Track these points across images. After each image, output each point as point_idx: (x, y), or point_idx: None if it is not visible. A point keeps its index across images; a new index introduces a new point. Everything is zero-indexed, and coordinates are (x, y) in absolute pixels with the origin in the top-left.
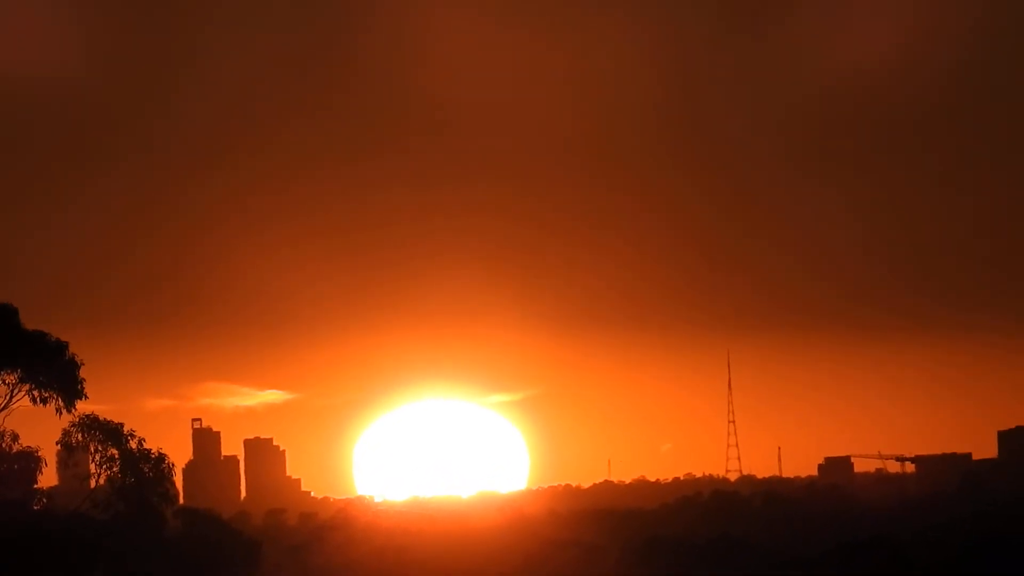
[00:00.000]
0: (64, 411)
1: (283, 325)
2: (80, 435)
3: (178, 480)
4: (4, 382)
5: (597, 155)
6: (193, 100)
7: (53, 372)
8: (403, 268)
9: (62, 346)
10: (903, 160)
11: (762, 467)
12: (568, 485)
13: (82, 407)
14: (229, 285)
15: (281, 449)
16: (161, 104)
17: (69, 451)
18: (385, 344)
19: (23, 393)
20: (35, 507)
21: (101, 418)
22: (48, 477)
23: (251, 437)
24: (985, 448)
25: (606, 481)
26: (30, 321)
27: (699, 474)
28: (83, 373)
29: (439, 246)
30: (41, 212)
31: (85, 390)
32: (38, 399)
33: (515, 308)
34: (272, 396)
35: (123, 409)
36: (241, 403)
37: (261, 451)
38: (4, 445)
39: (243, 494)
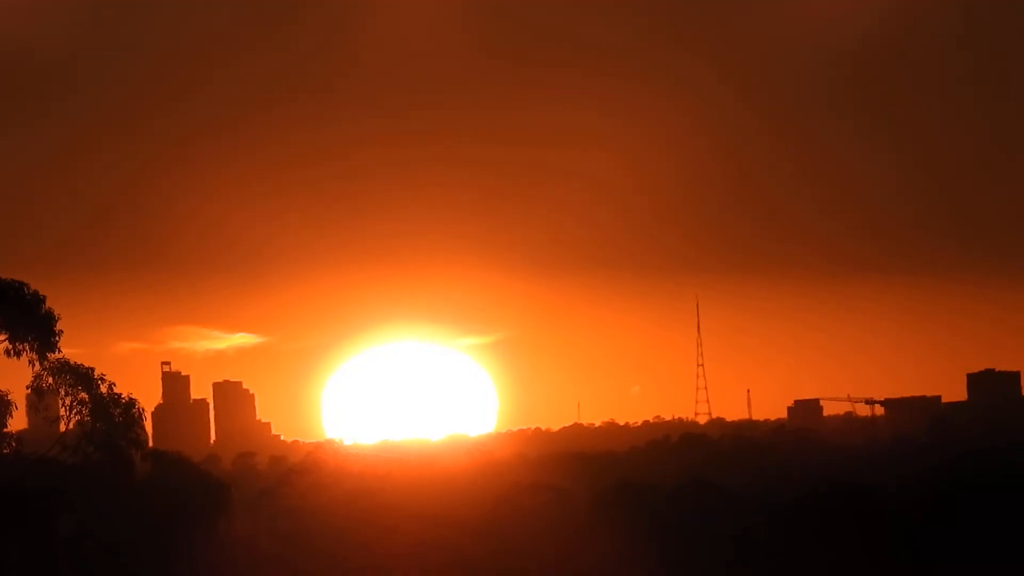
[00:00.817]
0: (36, 363)
1: (253, 267)
2: (51, 379)
3: (147, 424)
4: None
5: (571, 91)
6: (155, 36)
7: (30, 325)
8: (372, 208)
9: (39, 299)
10: (883, 102)
11: (731, 410)
12: (538, 428)
13: (56, 354)
14: (200, 228)
15: (250, 393)
16: (120, 40)
17: (39, 395)
18: (356, 285)
19: None
20: (4, 451)
21: (72, 362)
22: (18, 421)
23: (220, 381)
24: (954, 391)
25: (576, 424)
26: (4, 268)
27: (668, 417)
28: (60, 321)
29: (408, 185)
30: (12, 165)
31: (59, 343)
32: (12, 351)
33: (486, 250)
34: (242, 339)
35: (93, 352)
36: (211, 346)
37: (230, 395)
38: None
39: (213, 438)
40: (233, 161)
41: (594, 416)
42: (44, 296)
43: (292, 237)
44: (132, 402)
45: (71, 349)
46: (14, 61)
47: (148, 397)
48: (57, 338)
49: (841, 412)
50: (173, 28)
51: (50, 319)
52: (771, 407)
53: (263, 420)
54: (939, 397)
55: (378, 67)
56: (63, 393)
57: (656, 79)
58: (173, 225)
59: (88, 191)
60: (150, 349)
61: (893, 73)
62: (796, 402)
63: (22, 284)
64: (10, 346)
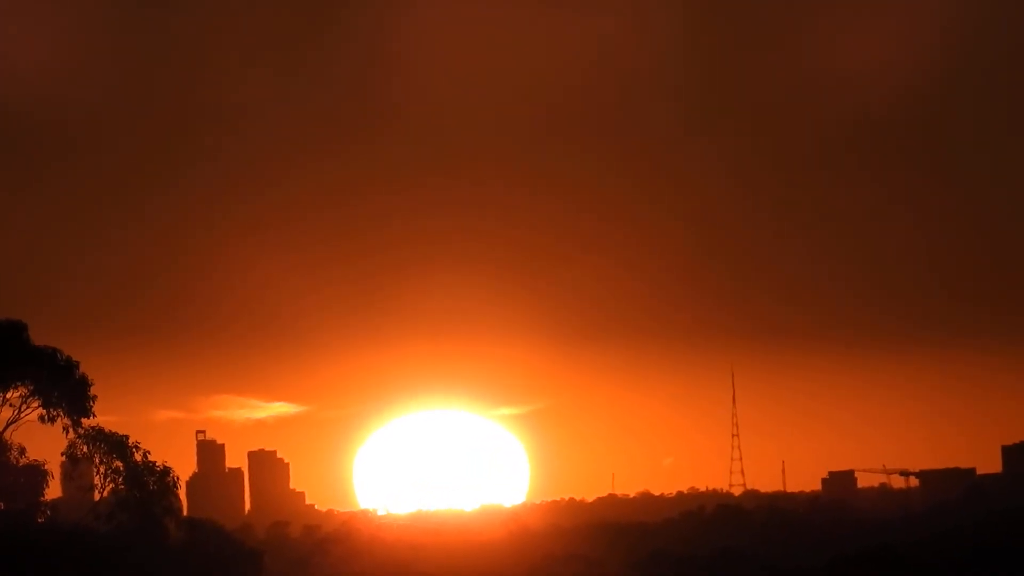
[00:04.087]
0: (71, 429)
1: (294, 337)
2: (85, 447)
3: (182, 493)
4: (8, 398)
5: (605, 166)
6: (187, 94)
7: (63, 390)
8: (412, 279)
9: (72, 365)
10: (909, 169)
11: (766, 481)
12: (572, 498)
13: (91, 420)
14: (245, 297)
15: (285, 462)
16: (150, 99)
17: (74, 463)
18: (396, 356)
19: (31, 409)
20: (39, 520)
21: (107, 430)
22: (54, 489)
23: (255, 450)
24: (989, 463)
25: (610, 495)
26: (41, 335)
27: (703, 488)
28: (94, 385)
29: (444, 257)
30: (49, 227)
31: (93, 408)
32: (46, 417)
33: (523, 322)
34: (281, 408)
35: (131, 421)
36: (250, 415)
37: (265, 464)
38: (11, 458)
39: (247, 507)
40: (270, 228)
41: (628, 487)
42: (78, 362)
43: (338, 309)
44: (167, 470)
45: (109, 417)
46: (42, 122)
47: (184, 465)
48: (91, 403)
49: (876, 484)
50: (209, 87)
51: (84, 384)
52: (806, 478)
53: (297, 489)
54: (974, 469)
55: (416, 141)
56: (97, 461)
57: (687, 150)
58: (211, 292)
59: (123, 258)
60: (188, 418)
61: (915, 141)
62: (831, 473)
63: (55, 350)
64: (44, 412)
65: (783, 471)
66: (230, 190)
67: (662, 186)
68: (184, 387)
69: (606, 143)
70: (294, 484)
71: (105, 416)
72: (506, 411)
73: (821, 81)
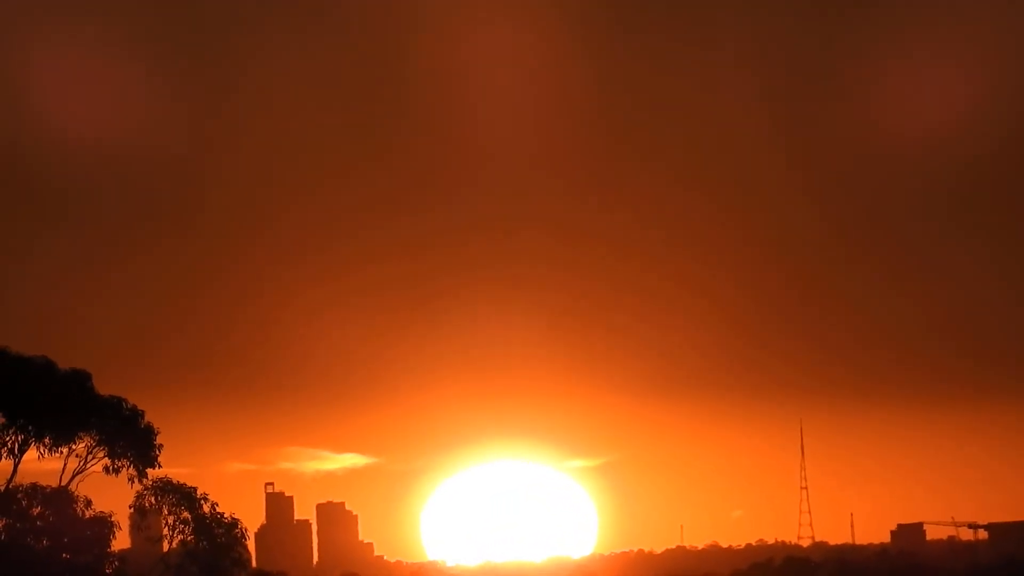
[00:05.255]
0: (136, 480)
1: (365, 389)
2: (153, 498)
3: (251, 544)
4: (74, 449)
5: (671, 220)
6: (247, 158)
7: (129, 440)
8: (483, 333)
9: (137, 414)
10: (972, 227)
11: (834, 533)
12: (640, 550)
13: (158, 470)
14: (315, 349)
15: (354, 514)
16: (211, 169)
17: (142, 514)
18: (466, 408)
19: (97, 460)
20: (107, 571)
21: (175, 481)
22: (121, 540)
23: (324, 502)
24: None
25: (679, 546)
26: (108, 386)
27: (771, 540)
28: (164, 437)
29: (515, 306)
30: (120, 278)
31: (160, 457)
32: (111, 468)
33: (592, 374)
34: (350, 460)
35: (200, 473)
36: (319, 467)
37: (334, 515)
38: (78, 511)
39: (315, 558)
40: (340, 280)
41: (697, 539)
42: (143, 411)
43: (404, 359)
44: (235, 522)
45: (179, 469)
46: (124, 196)
47: (252, 517)
48: (157, 452)
49: (945, 536)
50: (265, 150)
51: (149, 434)
52: (874, 531)
53: (366, 541)
54: None
55: (489, 196)
56: (166, 512)
57: (764, 201)
58: (280, 344)
59: (192, 310)
60: (257, 470)
61: (1004, 186)
62: (899, 526)
63: (120, 399)
64: (109, 462)
65: (852, 523)
66: (299, 242)
67: (724, 248)
68: (253, 439)
69: (673, 204)
70: (363, 535)
71: (174, 468)
72: (575, 463)
73: (915, 128)
